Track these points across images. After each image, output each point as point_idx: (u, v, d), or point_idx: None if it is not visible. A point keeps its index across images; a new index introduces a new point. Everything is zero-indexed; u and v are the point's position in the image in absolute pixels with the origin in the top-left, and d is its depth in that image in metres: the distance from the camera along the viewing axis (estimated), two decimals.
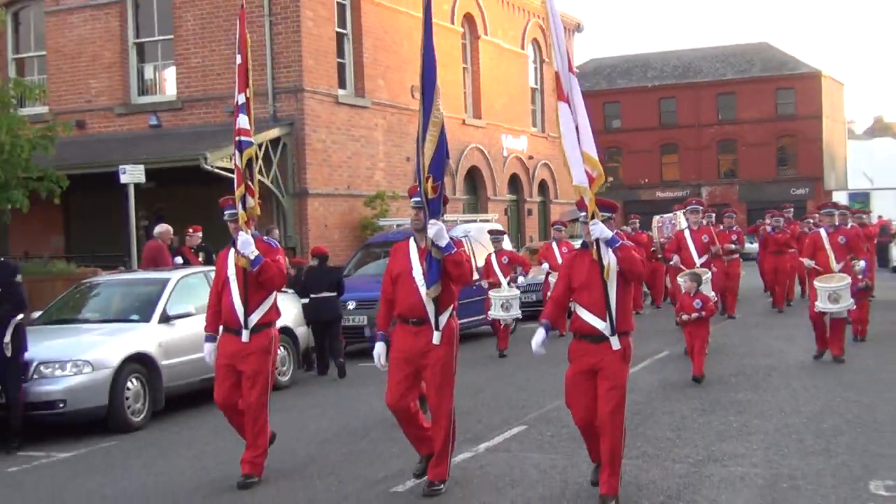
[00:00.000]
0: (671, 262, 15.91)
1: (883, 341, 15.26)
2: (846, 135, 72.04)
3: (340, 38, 23.94)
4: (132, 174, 17.80)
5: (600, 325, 6.72)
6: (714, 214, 20.63)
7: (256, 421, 8.00)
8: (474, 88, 29.92)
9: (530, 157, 33.12)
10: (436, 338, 7.26)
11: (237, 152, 8.64)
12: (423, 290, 7.28)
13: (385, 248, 18.82)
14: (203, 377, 12.11)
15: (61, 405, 10.68)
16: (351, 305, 16.16)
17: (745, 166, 62.23)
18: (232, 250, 8.19)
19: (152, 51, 23.84)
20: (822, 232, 13.63)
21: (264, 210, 21.80)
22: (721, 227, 19.51)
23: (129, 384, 11.07)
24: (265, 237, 8.70)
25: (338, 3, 23.72)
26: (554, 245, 17.76)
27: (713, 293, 14.00)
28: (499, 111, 30.94)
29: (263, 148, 21.25)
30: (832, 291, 12.66)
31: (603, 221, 6.77)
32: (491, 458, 8.89)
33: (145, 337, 11.62)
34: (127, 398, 11.05)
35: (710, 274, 14.00)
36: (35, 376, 10.75)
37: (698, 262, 14.94)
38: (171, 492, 8.25)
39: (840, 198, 58.22)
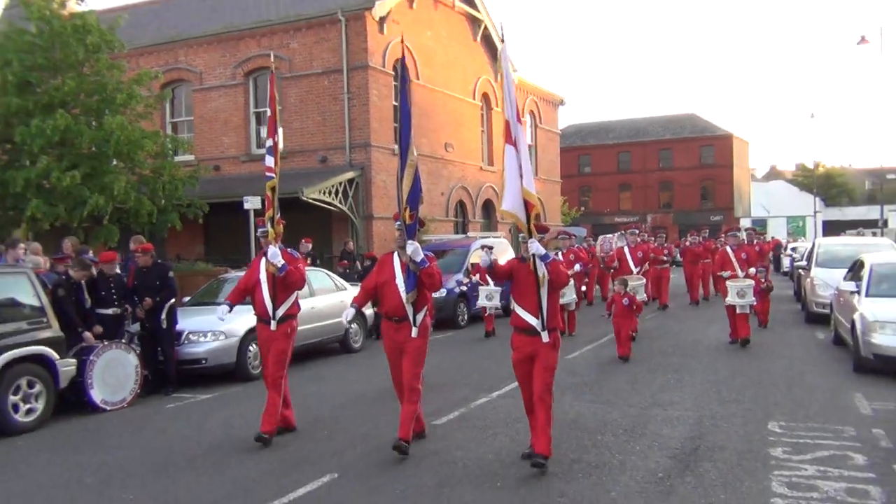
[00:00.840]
0: (611, 269, 15.16)
1: (777, 326, 15.11)
2: (750, 178, 71.41)
3: (396, 109, 24.01)
4: (252, 203, 17.87)
5: (534, 321, 6.24)
6: (647, 235, 20.74)
7: (275, 385, 7.49)
8: (488, 144, 29.88)
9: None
10: (414, 332, 6.84)
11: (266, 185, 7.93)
12: (403, 294, 6.82)
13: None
14: (302, 343, 12.21)
15: (204, 361, 10.76)
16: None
17: (678, 200, 61.78)
18: (263, 258, 7.69)
19: (266, 117, 23.98)
20: (728, 249, 13.33)
21: (344, 228, 22.05)
22: (655, 243, 19.42)
23: (250, 347, 11.09)
24: (290, 249, 8.06)
25: (395, 85, 23.79)
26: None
27: (645, 295, 13.58)
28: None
29: (342, 185, 21.37)
30: (740, 289, 12.32)
31: (540, 240, 6.29)
32: (501, 402, 8.89)
33: None
34: (249, 357, 11.08)
35: (643, 281, 13.50)
36: (185, 342, 10.82)
37: (635, 270, 14.48)
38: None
39: (745, 223, 57.90)
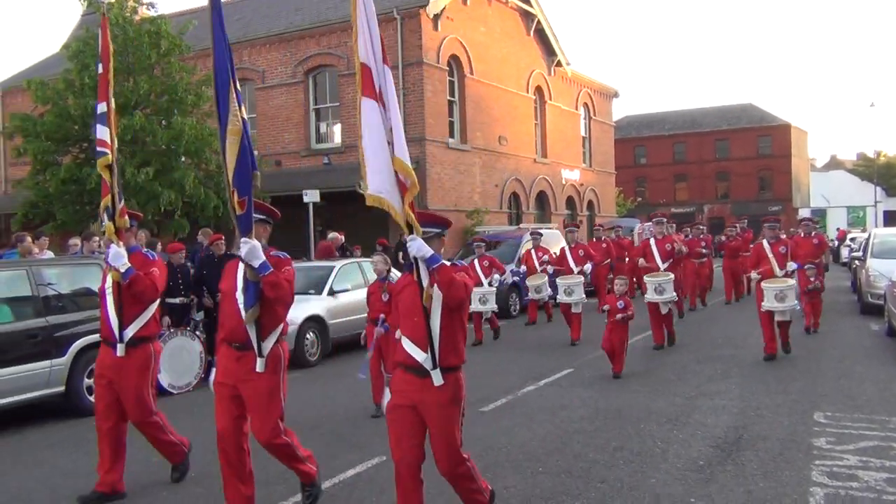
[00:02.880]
0: (640, 264, 12.74)
1: (832, 317, 14.65)
2: (809, 168, 69.41)
3: (451, 103, 24.08)
4: (311, 196, 18.23)
5: (420, 356, 4.23)
6: (675, 225, 18.70)
7: (148, 435, 5.92)
8: (542, 137, 29.75)
9: (581, 185, 32.77)
10: (259, 365, 4.83)
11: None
12: (242, 312, 4.83)
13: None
14: (357, 331, 12.42)
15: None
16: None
17: (735, 190, 60.43)
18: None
19: (325, 113, 24.34)
20: (765, 243, 10.74)
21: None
22: (691, 235, 17.83)
23: (307, 336, 11.37)
24: (145, 249, 6.31)
25: (449, 80, 23.89)
26: (532, 252, 14.99)
27: (675, 293, 11.51)
28: (559, 152, 30.67)
29: None
30: (779, 291, 10.03)
31: (429, 239, 4.32)
32: (548, 390, 8.93)
33: (318, 305, 11.87)
34: (306, 345, 11.35)
35: (671, 277, 11.36)
36: None
37: (662, 266, 11.87)
38: (330, 404, 8.56)
39: (804, 213, 56.43)
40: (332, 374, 10.66)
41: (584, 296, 12.54)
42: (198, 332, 10.52)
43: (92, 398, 8.55)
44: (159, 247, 11.97)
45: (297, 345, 11.18)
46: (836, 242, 38.73)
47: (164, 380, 9.57)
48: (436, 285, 4.17)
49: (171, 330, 9.95)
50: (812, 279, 12.33)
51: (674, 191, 62.45)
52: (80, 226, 16.22)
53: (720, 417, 7.33)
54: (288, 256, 5.17)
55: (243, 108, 4.73)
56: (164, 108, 16.41)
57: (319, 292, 12.20)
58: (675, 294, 11.48)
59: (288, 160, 23.91)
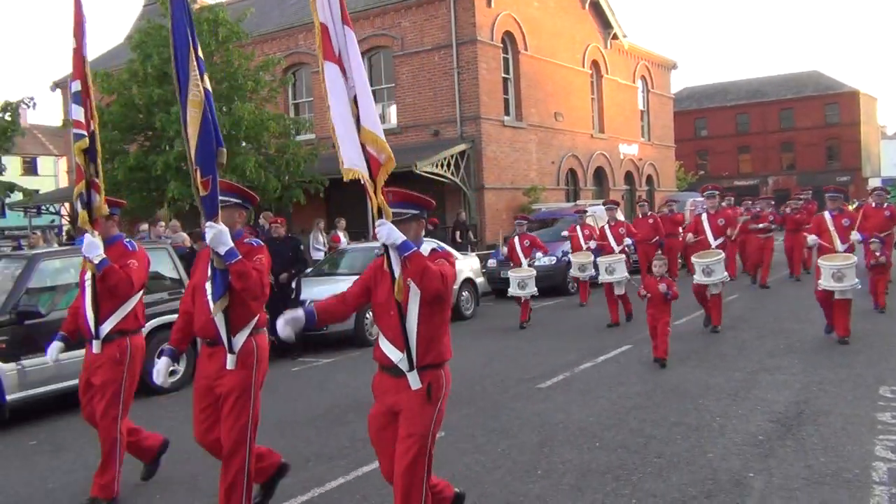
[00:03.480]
0: (689, 241, 12.07)
1: None
2: (879, 135, 66.82)
3: (505, 81, 23.95)
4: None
5: (395, 356, 3.83)
6: (733, 198, 17.36)
7: (106, 439, 5.18)
8: (599, 112, 29.37)
9: (640, 159, 32.27)
10: (229, 362, 4.39)
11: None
12: (211, 304, 4.43)
13: (537, 224, 18.80)
14: None
15: (325, 328, 11.25)
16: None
17: (801, 161, 58.60)
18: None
19: (381, 94, 24.45)
20: (827, 215, 9.95)
21: (457, 199, 22.28)
22: (756, 207, 17.66)
23: (366, 315, 11.50)
24: (127, 239, 5.57)
25: (503, 57, 23.75)
26: (579, 228, 14.24)
27: (726, 273, 10.68)
28: (617, 127, 30.25)
29: (454, 157, 21.60)
30: (836, 270, 9.15)
31: (403, 222, 3.80)
32: (605, 367, 8.93)
33: None
34: (366, 324, 11.46)
35: (722, 256, 10.59)
36: None
37: (713, 243, 11.21)
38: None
39: (874, 183, 54.42)
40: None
41: (626, 274, 11.94)
42: None
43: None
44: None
45: (356, 323, 11.33)
46: None
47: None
48: (412, 276, 3.66)
49: None
50: (878, 254, 11.27)
51: (737, 163, 60.97)
52: (148, 212, 16.74)
53: (781, 392, 7.23)
54: (262, 244, 4.56)
55: (206, 78, 4.25)
56: (223, 94, 16.76)
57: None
58: (725, 274, 10.63)
59: None
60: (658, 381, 7.91)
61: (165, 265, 9.58)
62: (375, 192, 3.74)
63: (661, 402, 7.13)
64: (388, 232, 3.65)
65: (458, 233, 19.26)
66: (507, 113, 23.89)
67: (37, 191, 22.37)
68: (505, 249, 14.15)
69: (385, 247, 3.74)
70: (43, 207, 28.07)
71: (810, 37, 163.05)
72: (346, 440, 6.49)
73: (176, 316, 5.04)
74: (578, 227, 14.27)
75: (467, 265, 14.13)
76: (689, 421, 6.45)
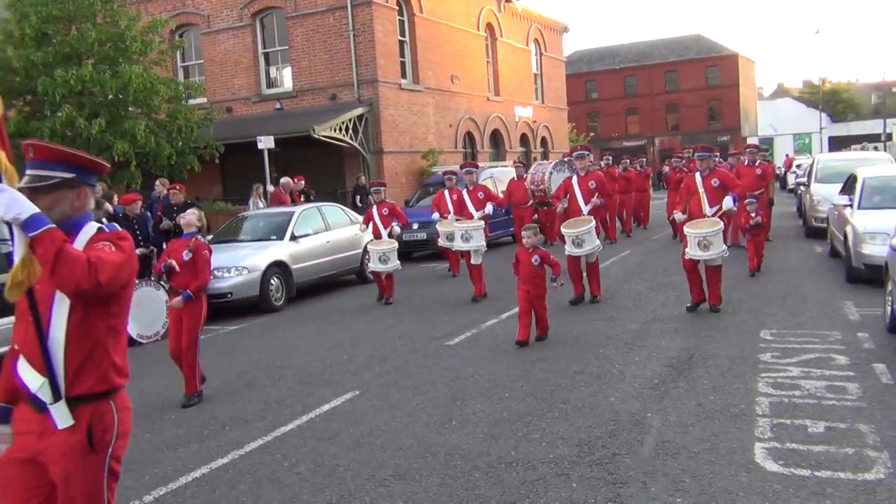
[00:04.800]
0: (558, 209, 10.46)
1: (778, 241, 15.13)
2: (756, 97, 70.38)
3: (402, 44, 23.85)
4: (266, 142, 18.07)
5: (34, 382, 2.63)
6: (611, 158, 18.86)
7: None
8: (494, 75, 29.69)
9: (535, 121, 32.91)
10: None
11: None
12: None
13: (435, 186, 19.00)
14: (320, 275, 12.61)
15: (229, 295, 11.11)
16: (415, 226, 15.87)
17: (685, 121, 61.07)
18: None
19: (275, 57, 23.91)
20: (697, 176, 9.23)
21: (356, 163, 22.18)
22: (630, 167, 18.99)
23: (272, 281, 11.46)
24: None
25: (399, 20, 23.62)
26: (446, 192, 12.33)
27: (598, 242, 9.73)
28: (512, 90, 30.69)
29: (352, 121, 21.46)
30: (702, 237, 8.50)
31: (46, 189, 2.67)
32: (509, 322, 9.12)
33: (281, 250, 11.91)
34: (271, 290, 11.44)
35: (593, 224, 9.68)
36: (212, 277, 11.20)
37: (585, 209, 10.00)
38: (299, 346, 8.73)
39: (752, 141, 57.44)
40: (298, 318, 10.83)
41: (483, 244, 11.06)
42: (161, 282, 10.57)
43: None
44: (116, 198, 11.90)
45: (261, 290, 11.30)
46: (784, 169, 39.72)
47: (133, 330, 9.66)
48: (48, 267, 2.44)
49: (136, 281, 9.97)
50: (754, 214, 11.22)
51: (625, 124, 62.97)
52: None
53: (673, 340, 7.73)
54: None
55: None
56: (109, 56, 16.03)
57: (281, 238, 12.26)
58: (597, 244, 9.67)
59: (239, 107, 23.55)
60: (560, 335, 8.28)
61: None
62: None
63: (563, 353, 7.49)
64: (7, 202, 2.39)
65: (357, 197, 19.24)
66: (403, 76, 23.84)
67: None
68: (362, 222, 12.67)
69: (7, 223, 2.46)
70: None
71: (694, 1, 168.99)
72: (261, 403, 6.54)
73: None
74: (447, 192, 12.33)
75: (370, 230, 14.20)
76: (591, 369, 6.83)
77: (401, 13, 23.75)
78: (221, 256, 11.51)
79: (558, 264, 8.11)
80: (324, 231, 12.94)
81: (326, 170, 21.82)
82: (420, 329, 9.22)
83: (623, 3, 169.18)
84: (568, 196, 10.28)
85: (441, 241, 12.13)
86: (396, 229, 11.75)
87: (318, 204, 14.39)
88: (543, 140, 33.99)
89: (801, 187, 18.86)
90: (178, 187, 11.25)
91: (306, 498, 4.48)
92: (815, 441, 4.81)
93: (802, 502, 4.00)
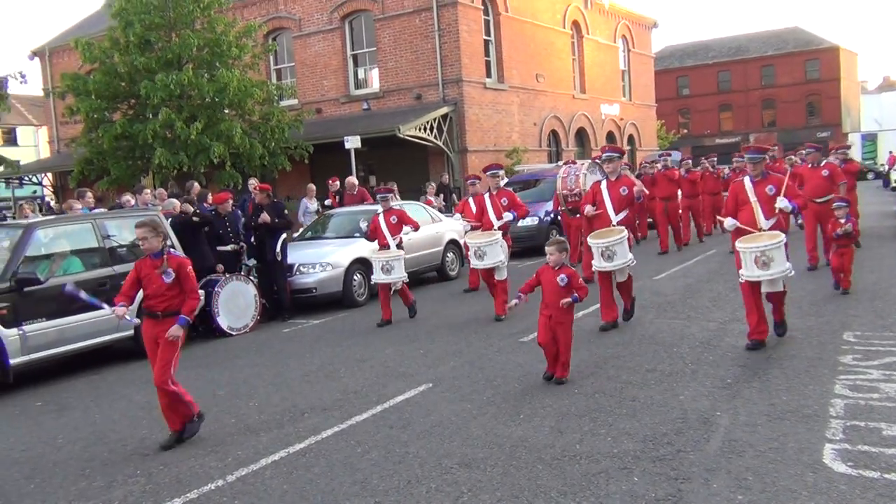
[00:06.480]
0: (586, 213, 9.09)
1: (873, 242, 14.51)
2: (859, 91, 67.22)
3: (486, 43, 24.02)
4: (352, 142, 18.58)
5: None
6: (690, 161, 16.88)
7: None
8: (580, 73, 29.50)
9: (621, 119, 32.51)
10: None
11: None
12: None
13: (519, 185, 19.10)
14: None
15: (314, 291, 11.55)
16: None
17: (782, 118, 59.00)
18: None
19: (363, 59, 24.48)
20: (747, 181, 7.48)
21: (440, 162, 22.47)
22: (700, 168, 16.84)
23: (354, 277, 11.82)
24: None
25: (484, 19, 23.78)
26: (470, 199, 10.81)
27: (630, 255, 8.44)
28: (598, 87, 30.42)
29: (437, 121, 21.76)
30: (760, 252, 6.92)
31: None
32: (585, 320, 9.16)
33: (364, 247, 12.13)
34: (354, 286, 11.81)
35: (625, 235, 8.38)
36: (297, 273, 11.62)
37: (614, 218, 8.70)
38: (378, 340, 9.00)
39: (854, 138, 54.94)
40: (379, 313, 11.08)
41: (502, 258, 9.77)
42: (251, 277, 11.08)
43: None
44: (210, 198, 12.50)
45: (344, 285, 11.66)
46: (888, 167, 37.89)
47: (224, 322, 10.18)
48: None
49: (227, 275, 10.50)
50: (843, 221, 9.62)
51: (718, 121, 61.31)
52: (132, 180, 16.87)
53: None
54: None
55: None
56: (207, 61, 16.81)
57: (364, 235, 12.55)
58: (630, 257, 8.37)
59: (328, 107, 24.23)
60: (635, 333, 8.27)
61: None
62: None
63: (637, 351, 7.49)
64: None
65: (441, 195, 19.51)
66: (488, 75, 24.00)
67: (19, 161, 22.30)
68: (364, 225, 11.25)
69: None
70: (25, 178, 28.00)
71: None
72: (339, 393, 6.82)
73: None
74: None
75: (452, 227, 14.40)
76: (663, 367, 6.82)
77: (486, 13, 23.91)
78: (307, 252, 11.98)
79: (586, 290, 6.71)
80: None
81: (411, 169, 22.20)
82: (496, 325, 9.35)
83: None
84: (596, 203, 8.97)
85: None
86: (409, 233, 10.53)
87: (402, 202, 14.67)
88: (631, 138, 33.53)
89: None
90: (259, 187, 11.72)
91: (376, 482, 4.70)
92: (889, 444, 4.70)
93: (868, 503, 3.95)
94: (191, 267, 5.84)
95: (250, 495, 4.69)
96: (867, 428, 5.00)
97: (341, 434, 5.67)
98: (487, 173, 10.84)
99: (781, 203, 7.14)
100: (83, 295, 5.96)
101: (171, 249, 5.94)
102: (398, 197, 16.98)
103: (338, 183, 16.47)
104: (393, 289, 10.17)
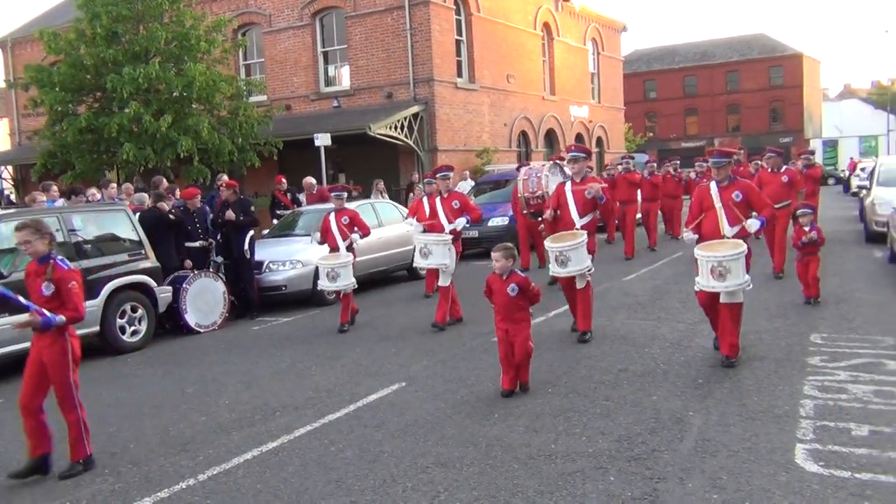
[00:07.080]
0: (546, 216, 8.79)
1: (836, 246, 14.77)
2: (821, 98, 68.55)
3: (458, 43, 24.00)
4: (322, 139, 18.43)
5: None
6: (655, 164, 17.03)
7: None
8: (550, 74, 29.62)
9: (590, 121, 32.72)
10: None
11: None
12: None
13: (489, 185, 19.23)
14: (372, 270, 12.78)
15: (283, 288, 11.45)
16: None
17: (746, 123, 59.91)
18: None
19: (333, 56, 24.31)
20: (713, 187, 7.11)
21: (410, 161, 22.40)
22: (658, 172, 16.67)
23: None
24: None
25: (456, 19, 23.77)
26: (424, 199, 10.09)
27: (588, 262, 7.85)
28: (568, 89, 30.58)
29: (408, 119, 21.69)
30: (716, 262, 6.49)
31: None
32: (556, 320, 9.21)
33: None
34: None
35: (585, 239, 7.78)
36: (266, 270, 11.50)
37: (578, 221, 8.22)
38: (349, 338, 8.91)
39: (815, 144, 56.00)
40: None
41: (447, 261, 9.29)
42: (220, 274, 10.94)
43: (126, 337, 9.06)
44: (178, 192, 12.30)
45: (314, 283, 11.52)
46: (848, 173, 38.66)
47: (191, 319, 10.04)
48: None
49: (195, 272, 10.35)
50: (807, 228, 9.30)
51: (684, 125, 62.07)
52: (97, 174, 16.55)
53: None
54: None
55: None
56: (175, 55, 16.56)
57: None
58: (587, 265, 7.84)
59: (298, 104, 24.02)
60: (607, 333, 8.30)
61: (124, 227, 9.61)
62: None
63: (609, 351, 7.53)
64: None
65: (411, 195, 19.46)
66: (459, 75, 23.99)
67: None
68: (318, 234, 10.47)
69: None
70: None
71: None
72: (311, 391, 6.75)
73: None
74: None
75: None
76: (635, 368, 6.86)
77: (458, 12, 23.90)
78: (277, 250, 11.85)
79: (538, 294, 6.38)
80: (377, 227, 13.13)
81: (381, 167, 22.10)
82: (467, 325, 9.33)
83: (684, 2, 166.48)
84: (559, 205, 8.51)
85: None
86: (356, 237, 10.11)
87: (372, 200, 14.63)
88: (599, 140, 33.77)
89: (863, 190, 18.38)
90: (226, 184, 11.58)
91: (351, 482, 4.65)
92: (859, 444, 4.78)
93: (840, 503, 4.00)
94: (76, 281, 5.01)
95: (223, 494, 4.61)
96: (837, 428, 5.07)
97: (314, 433, 5.61)
98: (438, 175, 10.08)
99: (752, 228, 6.88)
100: (21, 299, 5.03)
101: (59, 258, 5.11)
102: (384, 196, 16.92)
103: (284, 182, 16.05)
104: (342, 294, 9.74)
